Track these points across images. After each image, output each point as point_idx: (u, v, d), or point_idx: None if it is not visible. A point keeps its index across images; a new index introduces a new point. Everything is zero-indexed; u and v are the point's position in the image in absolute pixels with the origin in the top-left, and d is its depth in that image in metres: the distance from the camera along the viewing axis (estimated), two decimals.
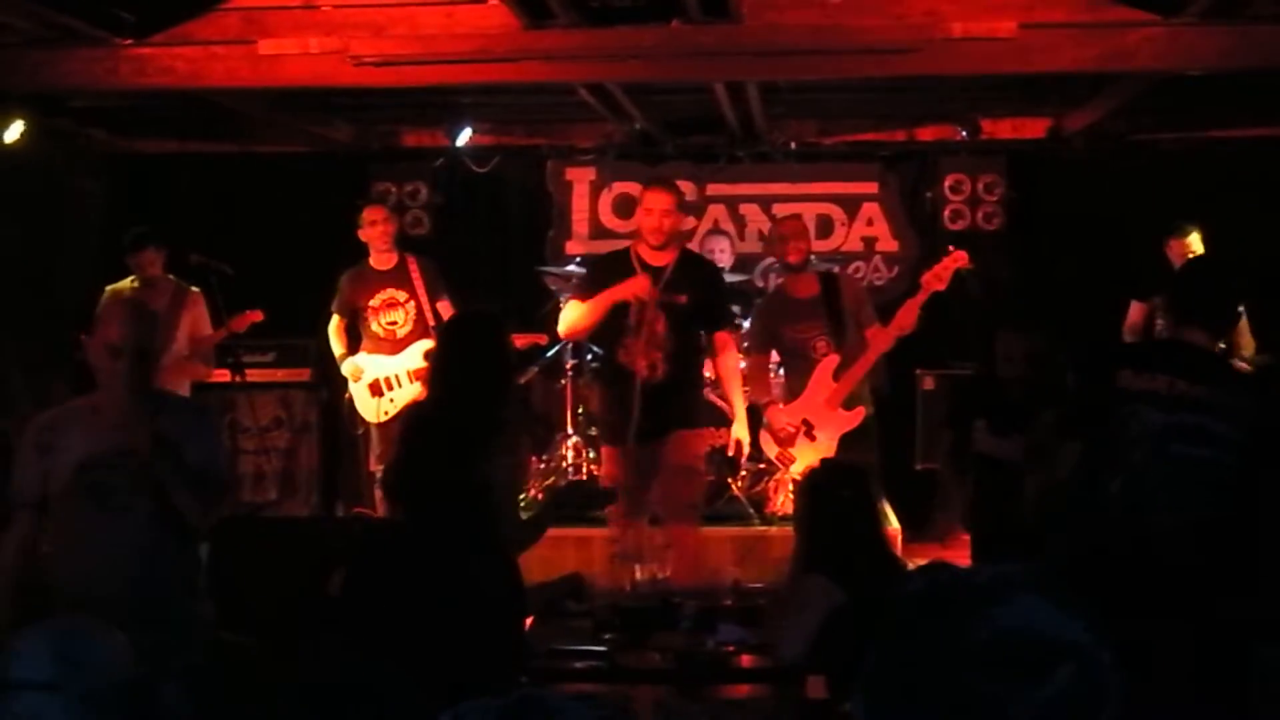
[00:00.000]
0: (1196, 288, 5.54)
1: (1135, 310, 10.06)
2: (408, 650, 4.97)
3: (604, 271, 8.03)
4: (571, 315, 8.08)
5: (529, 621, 6.24)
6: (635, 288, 7.73)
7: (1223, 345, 7.02)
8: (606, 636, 6.08)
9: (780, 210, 12.00)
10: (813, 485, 6.06)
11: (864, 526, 5.67)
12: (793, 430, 8.85)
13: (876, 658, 1.73)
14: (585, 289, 8.08)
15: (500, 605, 5.55)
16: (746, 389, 8.77)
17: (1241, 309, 6.07)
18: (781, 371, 9.48)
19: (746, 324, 9.67)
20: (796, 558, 5.98)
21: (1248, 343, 9.72)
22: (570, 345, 10.89)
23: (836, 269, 9.37)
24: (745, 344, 9.39)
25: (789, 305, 9.01)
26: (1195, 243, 10.00)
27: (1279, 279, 8.79)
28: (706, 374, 8.60)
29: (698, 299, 7.88)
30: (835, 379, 8.79)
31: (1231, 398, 5.13)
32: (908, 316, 8.72)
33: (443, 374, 5.92)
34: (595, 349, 10.68)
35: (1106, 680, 1.65)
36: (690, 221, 7.92)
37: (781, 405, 8.97)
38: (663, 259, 7.86)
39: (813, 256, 9.32)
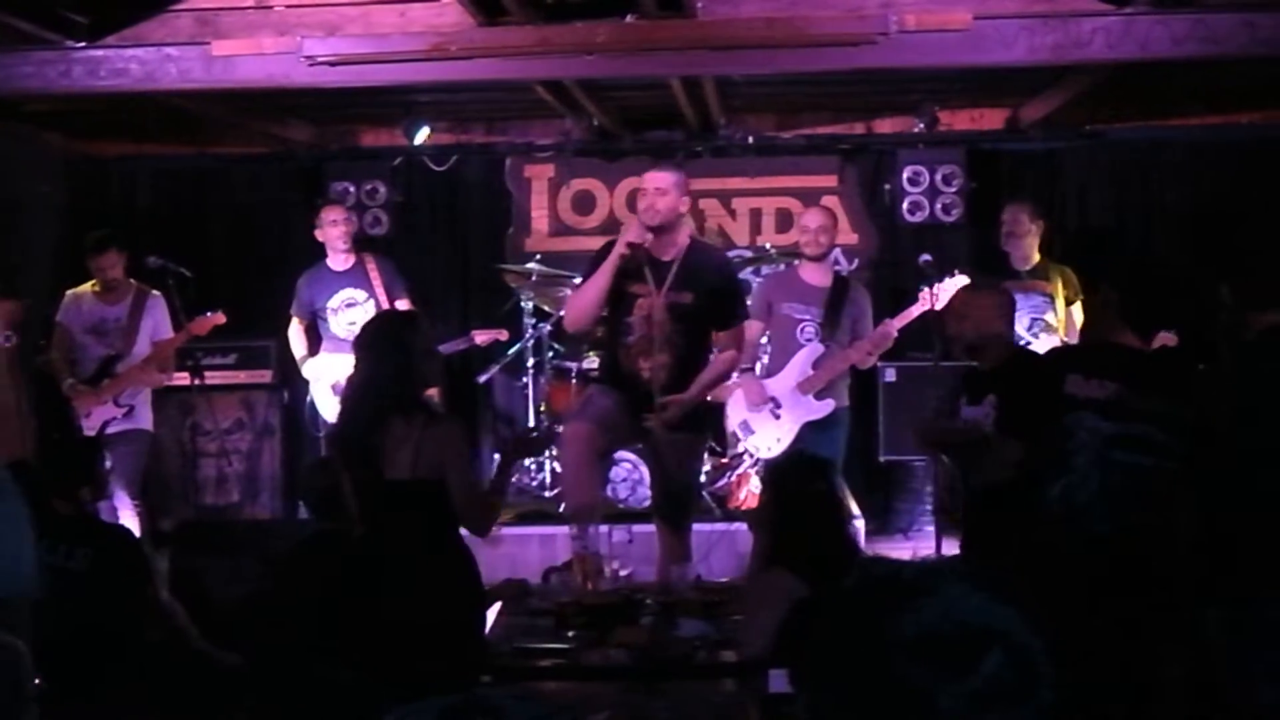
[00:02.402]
0: (1130, 290, 5.54)
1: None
2: (363, 650, 4.96)
3: (602, 255, 7.74)
4: (574, 299, 7.96)
5: (491, 619, 6.26)
6: (626, 237, 7.52)
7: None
8: (569, 634, 6.09)
9: (739, 205, 12.03)
10: (777, 479, 6.06)
11: (827, 521, 5.67)
12: (761, 400, 8.93)
13: (813, 654, 1.73)
14: (587, 274, 7.87)
15: (456, 603, 5.56)
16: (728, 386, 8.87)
17: None
18: (767, 347, 9.55)
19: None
20: (758, 552, 5.98)
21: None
22: (533, 342, 10.89)
23: (847, 275, 9.44)
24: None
25: (795, 284, 9.19)
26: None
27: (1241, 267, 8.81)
28: None
29: (706, 296, 7.65)
30: (814, 367, 8.87)
31: (1175, 405, 5.14)
32: (885, 337, 8.88)
33: (352, 382, 6.09)
34: (557, 347, 10.71)
35: (1038, 668, 1.65)
36: (684, 204, 7.72)
37: (756, 376, 9.04)
38: (667, 251, 7.64)
39: (837, 252, 9.42)
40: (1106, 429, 5.20)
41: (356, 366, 6.23)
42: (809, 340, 9.02)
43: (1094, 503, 5.15)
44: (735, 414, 9.25)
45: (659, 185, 7.54)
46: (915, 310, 9.04)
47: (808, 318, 9.04)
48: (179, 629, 6.05)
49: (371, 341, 6.22)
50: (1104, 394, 5.27)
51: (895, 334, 9.10)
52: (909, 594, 1.67)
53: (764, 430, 8.97)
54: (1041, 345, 9.06)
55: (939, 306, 8.92)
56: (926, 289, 9.09)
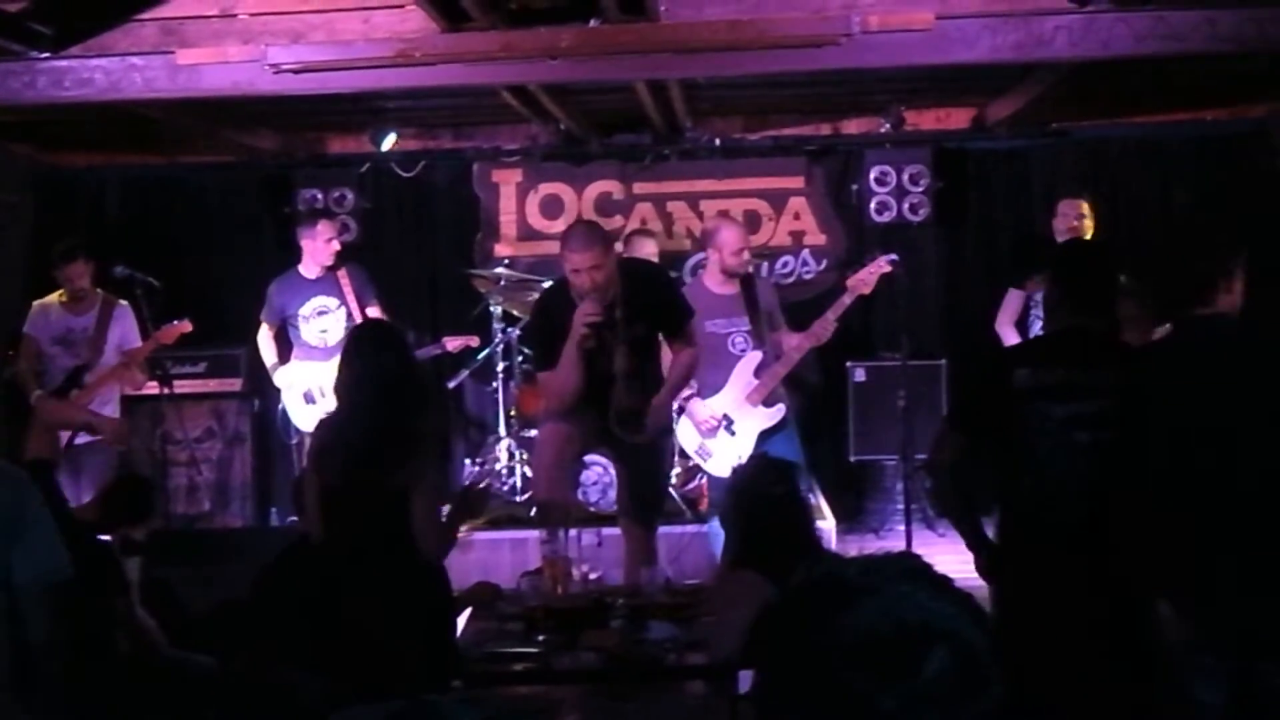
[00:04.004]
0: (1080, 274, 5.57)
1: (1013, 298, 9.98)
2: (332, 657, 4.98)
3: (547, 330, 7.73)
4: (551, 388, 7.78)
5: (461, 624, 6.27)
6: (581, 322, 7.41)
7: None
8: (540, 638, 6.10)
9: (707, 207, 12.05)
10: (742, 481, 6.09)
11: (793, 521, 5.69)
12: (714, 424, 8.90)
13: (760, 657, 1.74)
14: (542, 357, 7.84)
15: (424, 611, 5.57)
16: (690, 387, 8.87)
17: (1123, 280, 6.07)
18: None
19: None
20: (726, 554, 6.01)
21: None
22: (503, 347, 10.91)
23: (752, 268, 9.34)
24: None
25: (708, 300, 8.95)
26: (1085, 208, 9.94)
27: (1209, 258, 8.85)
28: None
29: (655, 317, 7.75)
30: (757, 376, 8.85)
31: (1128, 378, 5.16)
32: (824, 327, 8.87)
33: (347, 386, 6.04)
34: (526, 351, 10.71)
35: (983, 666, 1.64)
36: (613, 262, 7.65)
37: (701, 399, 9.00)
38: (608, 295, 7.55)
39: (806, 253, 9.44)
40: (1059, 412, 5.29)
41: (350, 370, 6.14)
42: (743, 351, 8.94)
43: (1064, 487, 5.22)
44: (689, 440, 9.17)
45: (593, 262, 7.38)
46: (846, 300, 9.00)
47: (734, 329, 8.96)
48: (151, 641, 6.06)
49: (366, 347, 6.18)
50: (1054, 380, 5.32)
51: (835, 325, 9.01)
52: (851, 593, 1.67)
53: (722, 450, 8.91)
54: None
55: (868, 291, 9.03)
56: (851, 276, 9.13)
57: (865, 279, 9.00)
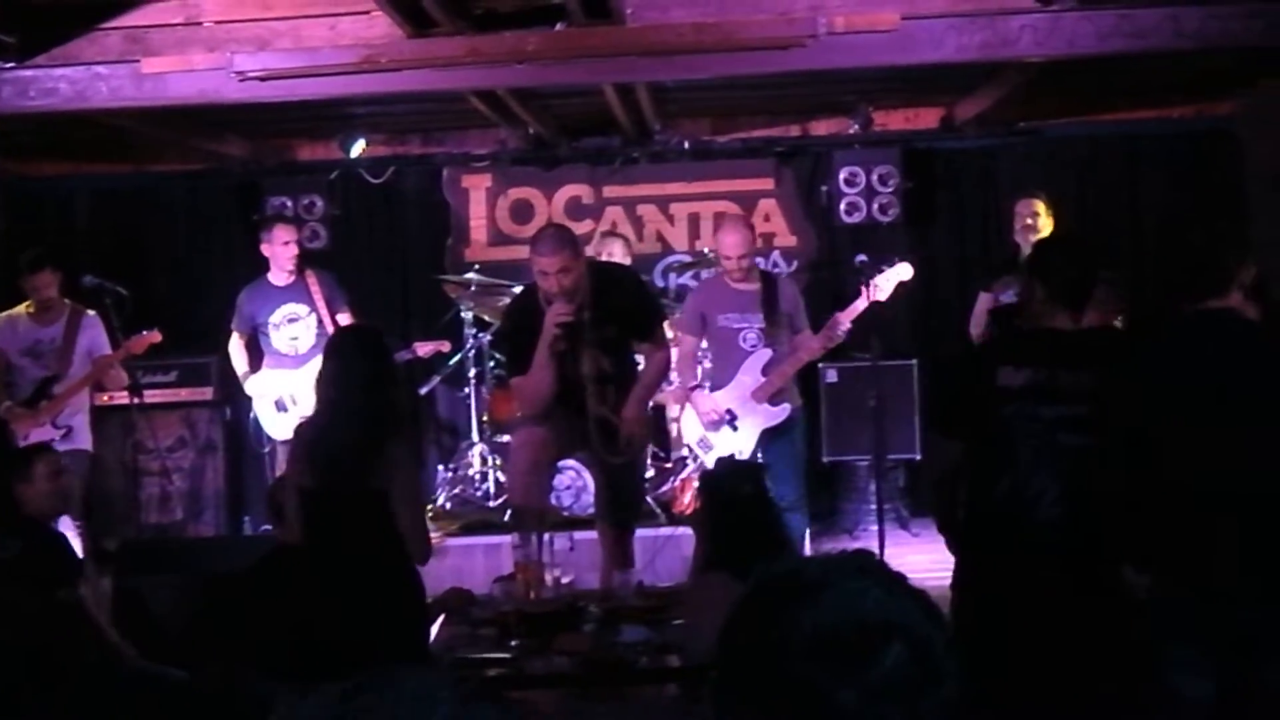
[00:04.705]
0: (1055, 271, 5.53)
1: (983, 301, 10.00)
2: (306, 661, 4.96)
3: (518, 335, 7.78)
4: (524, 391, 7.78)
5: (435, 630, 6.27)
6: (553, 322, 7.44)
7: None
8: (512, 643, 6.09)
9: (677, 210, 12.07)
10: (711, 483, 6.11)
11: (760, 522, 5.70)
12: (717, 418, 8.93)
13: (720, 655, 1.74)
14: (513, 364, 7.87)
15: (398, 616, 5.57)
16: (670, 384, 8.88)
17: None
18: (708, 359, 9.56)
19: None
20: (698, 556, 6.02)
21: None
22: (474, 352, 10.90)
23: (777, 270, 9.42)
24: (677, 328, 9.43)
25: (726, 294, 9.08)
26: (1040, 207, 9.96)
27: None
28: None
29: (625, 319, 7.77)
30: (764, 374, 8.88)
31: (1111, 380, 5.14)
32: (835, 329, 8.92)
33: (327, 390, 6.05)
34: (498, 356, 10.70)
35: (939, 661, 1.66)
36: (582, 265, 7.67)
37: (708, 390, 9.04)
38: (576, 298, 7.56)
39: (776, 255, 9.45)
40: (1047, 414, 5.25)
41: (331, 374, 6.15)
42: (754, 348, 8.99)
43: (1046, 490, 5.20)
44: (691, 431, 9.22)
45: (562, 265, 7.42)
46: (860, 304, 9.05)
47: (747, 325, 9.01)
48: (118, 653, 6.05)
49: (349, 350, 6.20)
50: (1038, 380, 5.28)
51: (849, 326, 9.06)
52: (808, 590, 1.68)
53: (723, 444, 8.93)
54: None
55: (883, 297, 9.03)
56: (865, 282, 9.14)
57: (884, 286, 9.03)
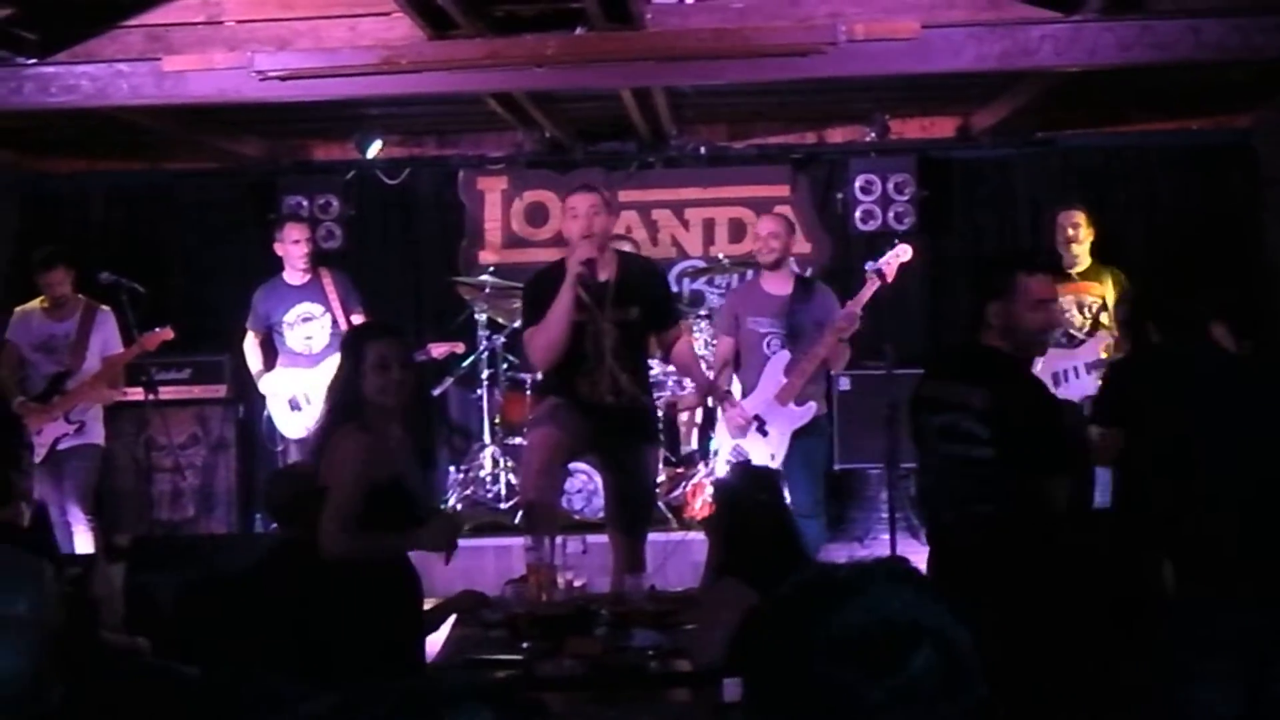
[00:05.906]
0: (972, 290, 5.85)
1: None
2: (307, 661, 4.97)
3: (541, 289, 7.66)
4: (538, 340, 7.64)
5: (445, 631, 6.27)
6: (576, 260, 7.38)
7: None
8: (523, 645, 6.08)
9: (692, 215, 12.08)
10: (727, 490, 6.11)
11: (775, 529, 5.70)
12: (744, 424, 8.92)
13: (750, 659, 1.75)
14: (531, 313, 7.74)
15: (392, 617, 5.58)
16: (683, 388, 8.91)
17: None
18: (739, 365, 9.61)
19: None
20: (711, 561, 6.02)
21: None
22: (488, 354, 10.90)
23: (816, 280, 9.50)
24: (715, 329, 9.54)
25: (757, 296, 9.16)
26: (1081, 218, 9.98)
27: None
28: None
29: (649, 306, 7.72)
30: (785, 375, 8.89)
31: (988, 395, 5.38)
32: (848, 320, 8.89)
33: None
34: (511, 359, 10.70)
35: (966, 661, 1.66)
36: (615, 222, 7.73)
37: (737, 398, 9.06)
38: (603, 272, 7.56)
39: (791, 259, 9.46)
40: (936, 422, 5.51)
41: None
42: (775, 351, 9.01)
43: (935, 490, 5.51)
44: (724, 441, 9.23)
45: (593, 204, 7.48)
46: (867, 292, 9.02)
47: (772, 330, 9.02)
48: (131, 651, 6.04)
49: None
50: (934, 391, 5.66)
51: (860, 312, 9.01)
52: (840, 594, 1.69)
53: (756, 451, 8.91)
54: (1096, 344, 9.41)
55: (890, 279, 9.06)
56: (873, 267, 9.14)
57: (885, 268, 9.04)
